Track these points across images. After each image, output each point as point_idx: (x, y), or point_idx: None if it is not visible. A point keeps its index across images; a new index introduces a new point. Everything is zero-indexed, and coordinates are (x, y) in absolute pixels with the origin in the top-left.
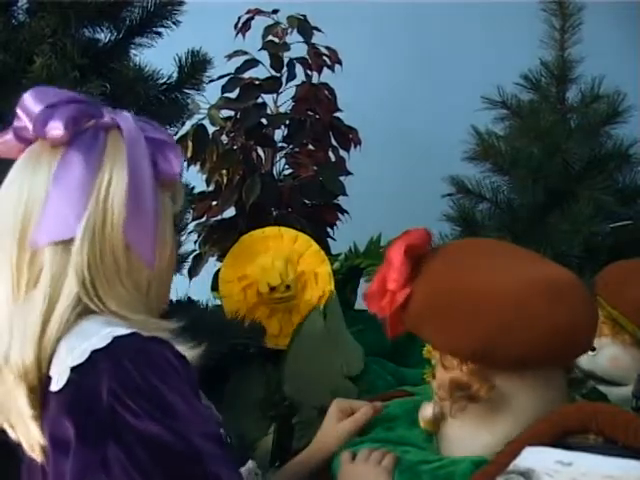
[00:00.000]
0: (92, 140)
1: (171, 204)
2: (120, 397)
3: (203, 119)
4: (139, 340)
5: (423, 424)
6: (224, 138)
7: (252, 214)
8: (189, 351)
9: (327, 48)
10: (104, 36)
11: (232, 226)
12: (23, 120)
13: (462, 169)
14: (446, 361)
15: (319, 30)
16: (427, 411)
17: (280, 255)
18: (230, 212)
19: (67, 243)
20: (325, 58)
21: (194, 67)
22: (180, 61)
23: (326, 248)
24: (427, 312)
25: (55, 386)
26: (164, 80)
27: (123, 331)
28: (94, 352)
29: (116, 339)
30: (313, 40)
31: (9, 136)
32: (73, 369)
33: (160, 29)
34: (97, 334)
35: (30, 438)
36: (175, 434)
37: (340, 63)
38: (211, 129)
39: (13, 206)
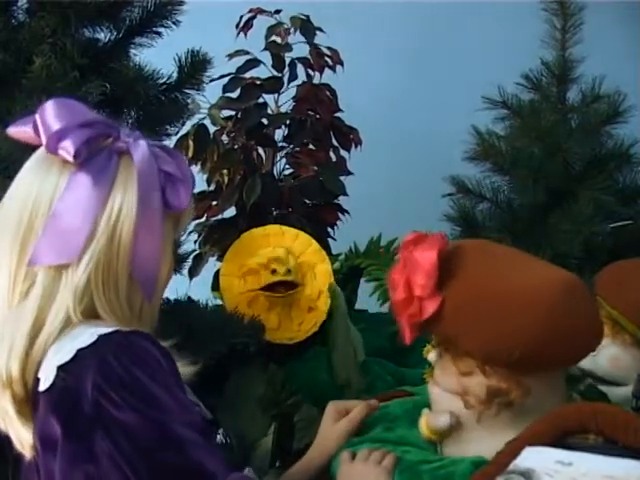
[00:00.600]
0: (105, 163)
1: (172, 232)
2: (104, 390)
3: (204, 119)
4: (121, 335)
5: (431, 434)
6: (225, 138)
7: (252, 214)
8: (186, 367)
9: (329, 48)
10: (104, 36)
11: (232, 226)
12: (39, 129)
13: (462, 169)
14: (463, 365)
15: (321, 30)
16: (440, 422)
17: (281, 246)
18: (230, 212)
19: (61, 267)
20: (327, 58)
21: (194, 67)
22: (180, 61)
23: (326, 248)
24: (466, 319)
25: (42, 386)
26: (164, 80)
27: (106, 329)
28: (79, 350)
29: (100, 337)
30: (315, 40)
31: (29, 128)
32: (59, 368)
33: (160, 29)
34: (82, 335)
35: (20, 438)
36: (158, 424)
37: (341, 64)
38: (212, 129)
39: (19, 209)
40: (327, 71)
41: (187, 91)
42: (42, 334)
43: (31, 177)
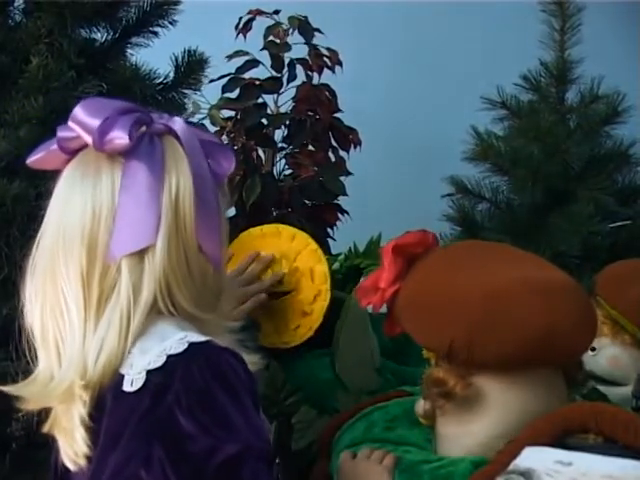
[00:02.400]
0: (150, 147)
1: (224, 203)
2: (181, 402)
3: (204, 119)
4: (212, 349)
5: (419, 418)
6: (225, 138)
7: (252, 214)
8: (251, 356)
9: (328, 49)
10: (100, 36)
11: (232, 226)
12: (78, 133)
13: (462, 169)
14: (438, 359)
15: (320, 31)
16: (419, 406)
17: (276, 251)
18: (230, 212)
19: (143, 252)
20: (325, 59)
21: (191, 67)
22: (176, 60)
23: (326, 248)
24: (408, 308)
25: (130, 387)
26: (161, 80)
27: (198, 337)
28: (170, 357)
29: (192, 345)
30: (314, 41)
31: (54, 147)
32: (149, 372)
33: (156, 29)
34: (171, 337)
35: (75, 448)
36: (222, 444)
37: (340, 64)
38: (212, 129)
39: (79, 219)
40: (327, 71)
41: (184, 91)
42: (131, 329)
43: (79, 181)
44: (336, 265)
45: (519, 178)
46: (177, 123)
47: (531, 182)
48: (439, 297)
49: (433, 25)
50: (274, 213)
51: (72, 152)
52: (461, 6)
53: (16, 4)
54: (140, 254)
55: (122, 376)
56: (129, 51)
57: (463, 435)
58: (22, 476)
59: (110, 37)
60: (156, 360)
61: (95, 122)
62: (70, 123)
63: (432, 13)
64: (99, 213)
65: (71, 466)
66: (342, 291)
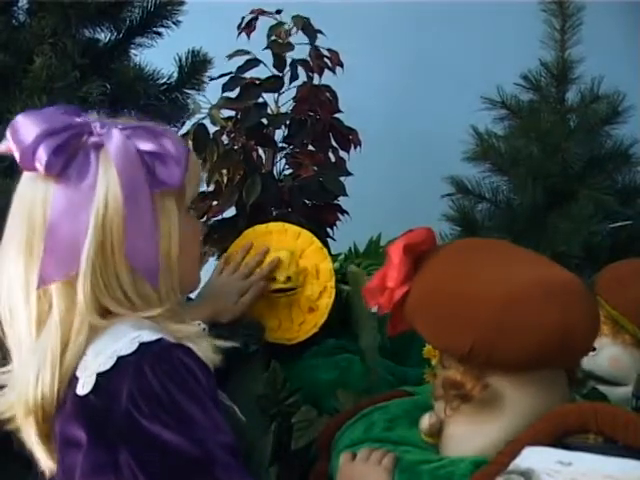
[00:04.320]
0: (83, 163)
1: (176, 209)
2: (137, 402)
3: (204, 119)
4: (163, 347)
5: (424, 437)
6: (224, 138)
7: (252, 214)
8: (212, 354)
9: (329, 50)
10: (104, 36)
11: (232, 226)
12: (12, 147)
13: (462, 169)
14: (445, 360)
15: (321, 32)
16: (424, 423)
17: (283, 248)
18: (230, 212)
19: (72, 279)
20: (326, 60)
21: (194, 67)
22: (180, 61)
23: (326, 248)
24: (422, 310)
25: (82, 390)
26: (164, 80)
27: (149, 336)
28: (120, 358)
29: (142, 345)
30: (315, 42)
31: (3, 147)
32: (99, 375)
33: (160, 29)
34: (124, 337)
35: (45, 462)
36: (189, 442)
37: (341, 65)
38: (212, 129)
39: (20, 227)
40: (327, 72)
41: (187, 91)
42: (69, 349)
43: (23, 193)
44: (336, 265)
45: (519, 178)
46: (112, 137)
47: (531, 182)
48: (457, 298)
49: (433, 25)
50: (274, 213)
51: None
52: (461, 6)
53: (20, 4)
54: (68, 282)
55: (77, 378)
56: (133, 51)
57: (477, 436)
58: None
59: (114, 37)
60: (106, 362)
61: (24, 141)
62: (7, 132)
63: (432, 13)
64: (33, 230)
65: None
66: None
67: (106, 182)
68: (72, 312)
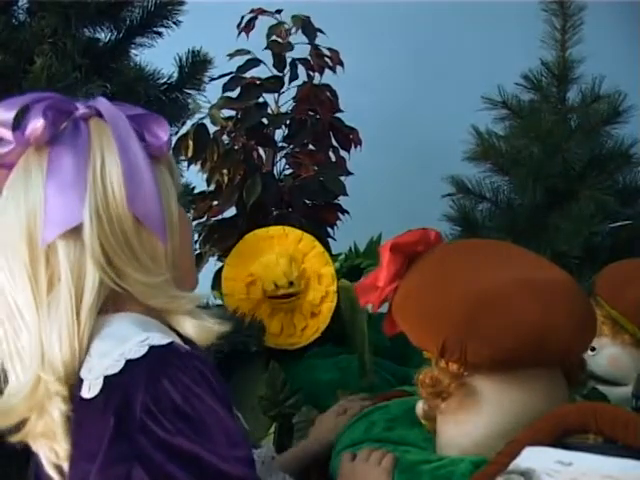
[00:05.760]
0: (74, 131)
1: (170, 178)
2: (153, 413)
3: (204, 118)
4: (176, 354)
5: (420, 420)
6: (225, 138)
7: (253, 214)
8: (215, 326)
9: (329, 49)
10: (104, 36)
11: (232, 226)
12: (1, 135)
13: (462, 169)
14: (437, 359)
15: (321, 32)
16: (418, 408)
17: (284, 253)
18: (231, 212)
19: (77, 231)
20: (326, 59)
21: (195, 67)
22: (180, 61)
23: (326, 248)
24: (403, 307)
25: (87, 393)
26: (165, 80)
27: (159, 340)
28: (129, 361)
29: (152, 349)
30: (315, 41)
31: None
32: (107, 377)
33: (160, 29)
34: (131, 339)
35: (58, 453)
36: (208, 452)
37: (341, 64)
38: (212, 128)
39: (16, 217)
40: (328, 71)
41: (188, 91)
42: (83, 310)
43: (13, 185)
44: (336, 265)
45: (520, 178)
46: (101, 102)
47: (532, 182)
48: (432, 297)
49: (434, 25)
50: (274, 213)
51: (10, 166)
52: (462, 6)
53: (20, 4)
54: (73, 235)
55: (81, 380)
56: (133, 51)
57: (459, 435)
58: None
59: (114, 37)
60: (114, 365)
61: (10, 115)
62: None
63: (433, 13)
64: (33, 207)
65: (54, 474)
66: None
67: (100, 141)
68: (82, 270)
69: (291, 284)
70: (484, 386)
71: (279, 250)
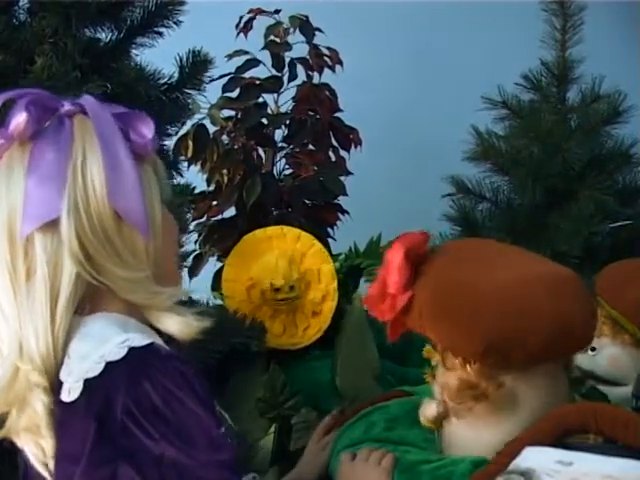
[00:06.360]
0: (58, 127)
1: (155, 177)
2: (134, 416)
3: (204, 119)
4: (157, 356)
5: (425, 422)
6: (225, 138)
7: (252, 214)
8: (197, 322)
9: (328, 48)
10: (105, 36)
11: (232, 226)
12: None
13: (462, 169)
14: (448, 362)
15: (320, 31)
16: (431, 409)
17: (283, 255)
18: (230, 212)
19: (54, 224)
20: (326, 58)
21: (195, 67)
22: (181, 61)
23: (326, 248)
24: (432, 313)
25: (68, 397)
26: (165, 80)
27: (139, 340)
28: (109, 364)
29: (132, 351)
30: (314, 41)
31: None
32: (87, 380)
33: (161, 29)
34: (110, 340)
35: (45, 448)
36: (189, 457)
37: (341, 63)
38: (212, 129)
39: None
40: (327, 71)
41: (188, 91)
42: (60, 302)
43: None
44: (336, 265)
45: (520, 178)
46: (86, 100)
47: (532, 182)
48: (468, 299)
49: (434, 24)
50: (274, 213)
51: None
52: (462, 6)
53: (20, 4)
54: (51, 228)
55: (61, 383)
56: (133, 51)
57: (486, 435)
58: None
59: (115, 37)
60: (94, 367)
61: None
62: None
63: (433, 13)
64: (13, 200)
65: (43, 471)
66: (342, 290)
67: (82, 136)
68: (59, 263)
69: (291, 288)
70: (516, 384)
71: (278, 252)
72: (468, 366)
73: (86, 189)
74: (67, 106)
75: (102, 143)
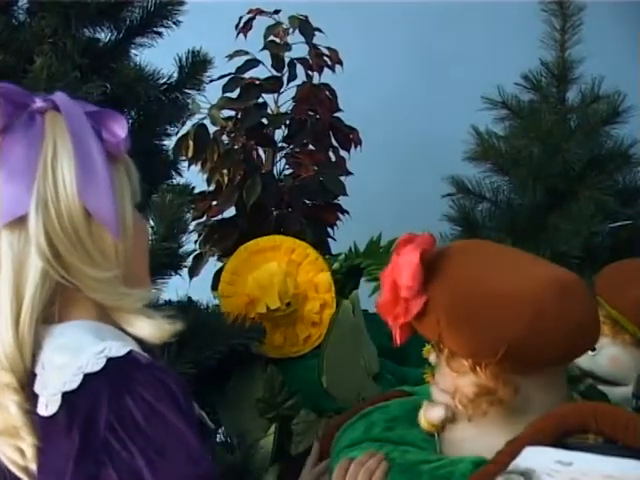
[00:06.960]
0: (29, 122)
1: (127, 178)
2: (117, 432)
3: (204, 119)
4: (136, 366)
5: (427, 425)
6: (225, 138)
7: (252, 214)
8: (168, 325)
9: (328, 48)
10: (104, 36)
11: (232, 226)
12: None
13: (462, 169)
14: (454, 365)
15: (320, 31)
16: (435, 413)
17: (278, 271)
18: (230, 212)
19: (22, 221)
20: (326, 58)
21: (194, 67)
22: (180, 61)
23: (326, 248)
24: (454, 321)
25: (45, 410)
26: (164, 80)
27: (117, 350)
28: (87, 376)
29: (110, 362)
30: (314, 41)
31: None
32: (65, 394)
33: (160, 29)
34: (87, 350)
35: (20, 452)
36: (167, 473)
37: (341, 63)
38: (212, 129)
39: None
40: (327, 71)
41: (187, 91)
42: (26, 300)
43: None
44: (336, 265)
45: (520, 178)
46: (59, 97)
47: (532, 182)
48: (486, 302)
49: (434, 24)
50: (274, 213)
51: None
52: (462, 6)
53: (20, 4)
54: (19, 225)
55: (36, 396)
56: (133, 51)
57: (502, 436)
58: None
59: (114, 37)
60: (72, 380)
61: None
62: None
63: (433, 12)
64: None
65: (22, 475)
66: (343, 290)
67: (53, 132)
68: (24, 259)
69: (288, 305)
70: (529, 388)
71: (272, 267)
72: (479, 369)
73: (56, 186)
74: (39, 102)
75: (74, 140)
